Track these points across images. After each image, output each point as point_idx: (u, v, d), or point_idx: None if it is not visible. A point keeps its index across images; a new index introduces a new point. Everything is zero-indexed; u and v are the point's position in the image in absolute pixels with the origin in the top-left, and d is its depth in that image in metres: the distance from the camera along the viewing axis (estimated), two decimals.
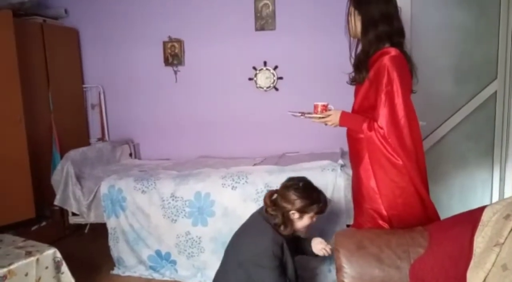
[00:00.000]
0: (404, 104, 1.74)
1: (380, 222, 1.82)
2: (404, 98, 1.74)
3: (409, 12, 2.61)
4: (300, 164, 2.83)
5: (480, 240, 1.38)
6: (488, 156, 2.90)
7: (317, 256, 2.13)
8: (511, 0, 2.70)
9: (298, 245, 2.15)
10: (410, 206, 1.79)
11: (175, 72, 3.93)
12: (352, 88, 1.99)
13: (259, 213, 2.06)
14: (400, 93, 1.72)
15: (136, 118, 4.09)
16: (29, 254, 2.11)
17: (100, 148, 3.70)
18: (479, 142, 2.90)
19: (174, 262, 2.80)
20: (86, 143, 4.06)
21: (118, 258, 2.90)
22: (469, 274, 1.35)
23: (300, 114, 1.94)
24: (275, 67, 3.70)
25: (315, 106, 1.93)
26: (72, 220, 3.33)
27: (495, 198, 2.90)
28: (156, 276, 2.82)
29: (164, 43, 3.89)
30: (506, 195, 2.80)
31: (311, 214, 1.96)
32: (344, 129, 1.99)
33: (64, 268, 2.25)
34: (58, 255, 2.23)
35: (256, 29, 3.69)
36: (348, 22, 1.89)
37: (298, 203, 1.93)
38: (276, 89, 3.73)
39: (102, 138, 4.12)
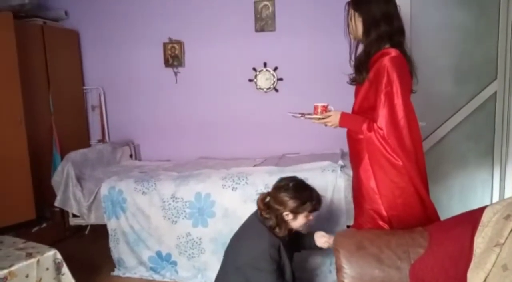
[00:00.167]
0: (404, 105, 1.74)
1: (380, 222, 1.82)
2: (404, 99, 1.74)
3: (408, 12, 2.61)
4: (300, 165, 2.83)
5: (480, 240, 1.38)
6: (488, 156, 2.89)
7: (321, 249, 2.13)
8: (511, 0, 2.71)
9: (300, 241, 2.15)
10: (410, 207, 1.79)
11: (175, 73, 3.94)
12: (352, 89, 1.99)
13: (255, 215, 2.05)
14: (400, 94, 1.73)
15: (136, 119, 4.10)
16: (29, 255, 2.11)
17: (100, 149, 3.71)
18: (479, 142, 2.90)
19: (174, 263, 2.80)
20: (87, 144, 4.07)
21: (118, 259, 2.90)
22: (470, 275, 1.35)
23: (300, 115, 1.94)
24: (275, 68, 3.71)
25: (315, 107, 1.93)
26: (73, 221, 3.34)
27: (495, 198, 2.89)
28: (156, 277, 2.82)
29: (164, 44, 3.89)
30: (506, 195, 2.79)
31: (305, 213, 1.95)
32: (344, 130, 1.99)
33: (65, 269, 2.25)
34: (59, 256, 2.23)
35: (256, 30, 3.69)
36: (348, 25, 1.90)
37: (291, 204, 1.91)
38: (276, 90, 3.74)
39: (102, 140, 4.13)
